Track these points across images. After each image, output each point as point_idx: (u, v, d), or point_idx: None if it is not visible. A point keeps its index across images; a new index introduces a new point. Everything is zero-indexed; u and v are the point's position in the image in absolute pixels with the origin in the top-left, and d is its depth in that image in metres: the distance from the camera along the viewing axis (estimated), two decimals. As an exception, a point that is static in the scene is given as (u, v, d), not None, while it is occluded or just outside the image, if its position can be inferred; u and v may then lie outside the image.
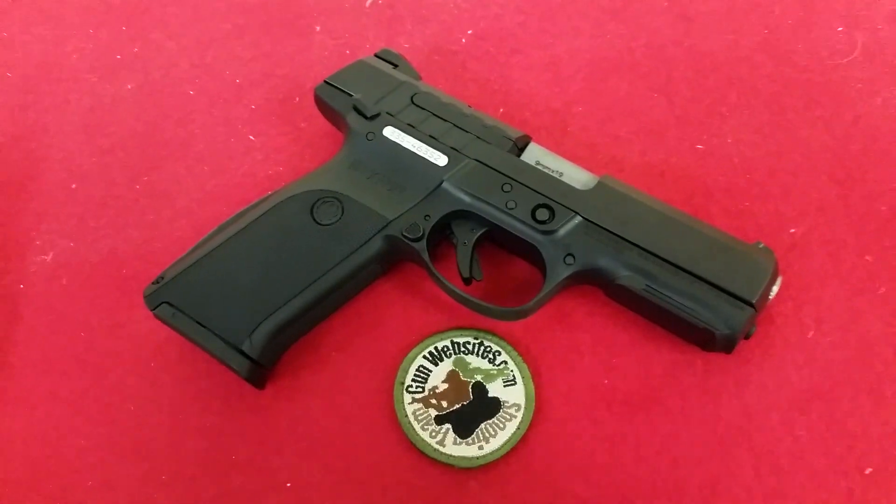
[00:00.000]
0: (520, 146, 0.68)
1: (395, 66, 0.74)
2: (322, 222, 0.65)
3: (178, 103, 0.79)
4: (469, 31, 0.83)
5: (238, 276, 0.63)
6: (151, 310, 0.63)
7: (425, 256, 0.64)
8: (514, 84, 0.80)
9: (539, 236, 0.64)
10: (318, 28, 0.83)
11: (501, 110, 0.79)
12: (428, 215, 0.66)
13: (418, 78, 0.74)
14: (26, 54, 0.82)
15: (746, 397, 0.65)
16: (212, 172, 0.76)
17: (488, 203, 0.65)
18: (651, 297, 0.62)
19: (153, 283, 0.64)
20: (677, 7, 0.83)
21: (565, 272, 0.63)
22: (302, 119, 0.78)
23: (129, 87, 0.80)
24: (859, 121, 0.77)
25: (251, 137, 0.78)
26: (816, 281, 0.69)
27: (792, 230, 0.71)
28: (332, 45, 0.82)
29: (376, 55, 0.75)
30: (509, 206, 0.65)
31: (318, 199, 0.66)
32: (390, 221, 0.65)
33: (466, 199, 0.66)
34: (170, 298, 0.63)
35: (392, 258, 0.68)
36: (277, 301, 0.63)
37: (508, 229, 0.65)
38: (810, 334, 0.67)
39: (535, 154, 0.68)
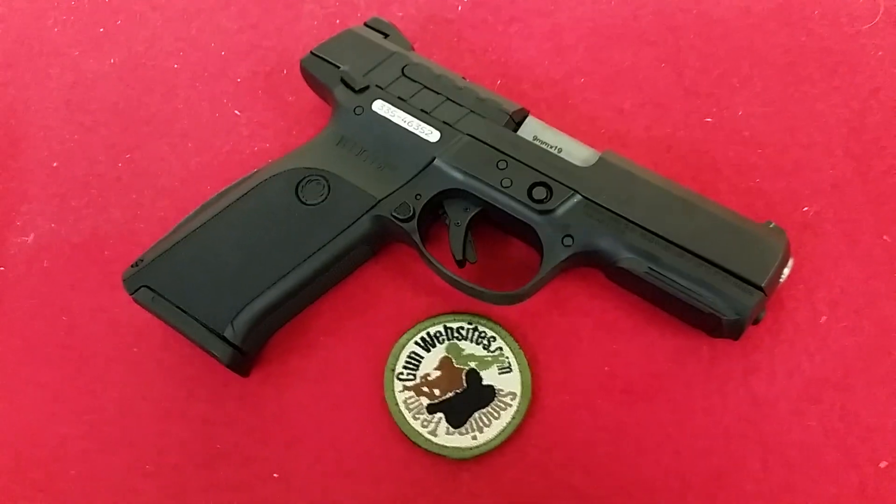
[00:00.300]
0: (517, 120, 0.65)
1: (386, 35, 0.71)
2: (308, 202, 0.63)
3: (162, 78, 0.77)
4: (466, -1, 0.79)
5: (220, 258, 0.61)
6: (130, 294, 0.61)
7: (416, 238, 0.62)
8: (512, 54, 0.77)
9: (536, 216, 0.62)
10: (306, -4, 0.80)
11: (499, 82, 0.76)
12: (419, 194, 0.63)
13: (410, 48, 0.71)
14: (5, 28, 0.80)
15: (755, 386, 0.63)
16: (196, 150, 0.74)
17: (482, 181, 0.63)
18: (654, 281, 0.60)
19: (132, 266, 0.62)
20: (686, -29, 0.79)
21: (564, 254, 0.61)
22: (289, 93, 0.76)
23: (112, 61, 0.78)
24: (879, 92, 0.73)
25: (237, 112, 0.75)
26: (830, 262, 0.66)
27: (805, 208, 0.69)
28: (321, 15, 0.80)
29: (366, 24, 0.71)
30: (504, 184, 0.62)
31: (304, 178, 0.64)
32: (379, 201, 0.63)
33: (459, 176, 0.63)
34: (149, 282, 0.61)
35: (382, 239, 0.66)
36: (261, 285, 0.61)
37: (503, 209, 0.62)
38: (823, 319, 0.65)
39: (532, 128, 0.65)
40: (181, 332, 0.60)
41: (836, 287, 0.65)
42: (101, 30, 0.80)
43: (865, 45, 0.75)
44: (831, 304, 0.65)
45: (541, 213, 0.62)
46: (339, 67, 0.68)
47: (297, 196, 0.63)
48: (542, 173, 0.62)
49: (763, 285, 0.58)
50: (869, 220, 0.68)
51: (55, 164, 0.74)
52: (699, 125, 0.73)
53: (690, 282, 0.59)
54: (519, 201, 0.62)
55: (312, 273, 0.62)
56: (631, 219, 0.60)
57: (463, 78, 0.68)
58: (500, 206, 0.62)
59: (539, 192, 0.62)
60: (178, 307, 0.60)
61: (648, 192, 0.61)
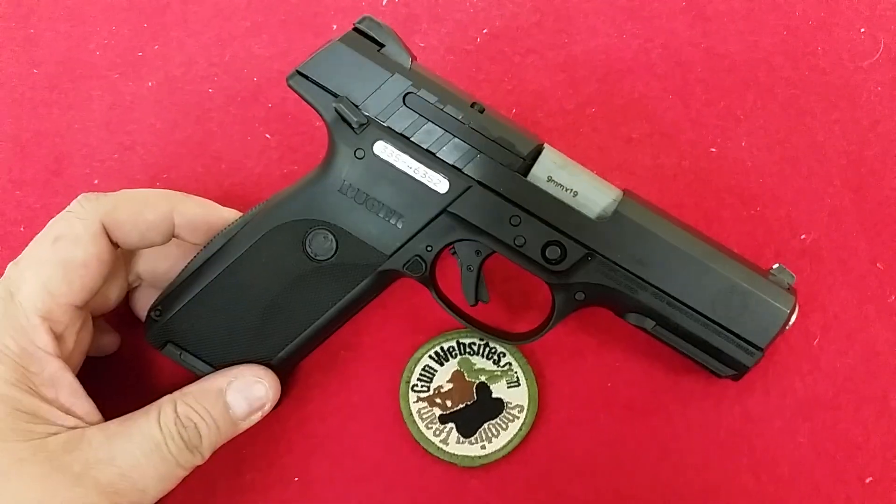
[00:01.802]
0: (531, 158, 0.61)
1: (382, 45, 0.62)
2: (317, 257, 0.62)
3: (197, 101, 0.81)
4: (484, 31, 0.83)
5: (238, 315, 0.62)
6: (157, 349, 0.63)
7: (430, 289, 0.63)
8: (527, 85, 0.80)
9: (548, 277, 0.61)
10: (334, 27, 0.84)
11: (514, 111, 0.79)
12: (430, 246, 0.61)
13: (410, 58, 0.63)
14: (50, 51, 0.84)
15: (749, 404, 0.65)
16: (229, 171, 0.77)
17: (495, 237, 0.61)
18: (658, 336, 0.61)
19: (155, 314, 0.63)
20: (695, 7, 0.82)
21: (574, 306, 0.62)
22: (317, 118, 0.76)
23: (150, 84, 0.82)
24: (877, 126, 0.76)
25: (267, 136, 0.78)
26: (825, 288, 0.69)
27: (802, 236, 0.71)
28: (348, 44, 0.83)
29: (356, 28, 0.62)
30: (518, 241, 0.60)
31: (310, 229, 0.62)
32: (389, 257, 0.61)
33: (470, 232, 0.61)
34: (173, 338, 0.62)
35: (393, 282, 0.66)
36: (280, 342, 0.63)
37: (516, 263, 0.62)
38: (816, 342, 0.67)
39: (547, 167, 0.60)
40: None
41: (830, 312, 0.68)
42: (140, 54, 0.83)
43: (866, 81, 0.78)
44: (824, 327, 0.67)
45: (554, 273, 0.61)
46: (332, 94, 0.61)
47: (306, 251, 0.62)
48: (557, 230, 0.60)
49: (763, 347, 0.59)
50: (864, 249, 0.70)
51: (96, 181, 0.77)
52: (704, 155, 0.75)
53: (693, 343, 0.60)
54: (532, 261, 0.61)
55: (328, 322, 0.63)
56: (644, 278, 0.59)
57: (472, 100, 0.62)
58: (512, 260, 0.62)
59: (553, 252, 0.60)
60: (205, 362, 0.62)
61: (664, 251, 0.60)
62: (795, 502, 0.62)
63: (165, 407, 0.57)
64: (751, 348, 0.59)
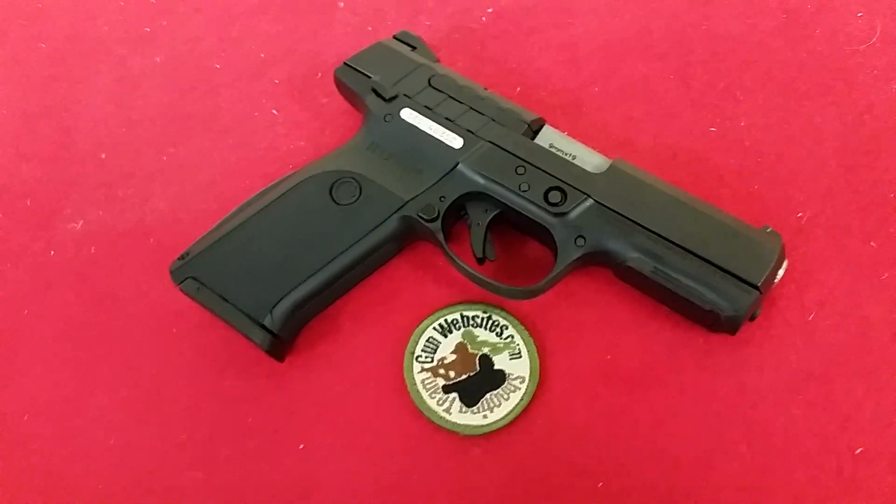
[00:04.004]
0: (534, 129, 0.70)
1: (413, 48, 0.75)
2: (341, 202, 0.67)
3: (204, 77, 0.82)
4: (489, 10, 0.84)
5: (260, 253, 0.66)
6: (177, 284, 0.65)
7: (440, 237, 0.66)
8: (531, 63, 0.81)
9: (551, 218, 0.66)
10: (341, 4, 0.85)
11: (518, 89, 0.80)
12: (443, 196, 0.67)
13: (436, 60, 0.75)
14: (58, 26, 0.85)
15: (744, 376, 0.67)
16: (235, 145, 0.78)
17: (502, 185, 0.67)
18: (659, 279, 0.63)
19: (179, 259, 0.66)
20: (697, -11, 0.84)
21: (576, 253, 0.65)
22: (323, 95, 0.80)
23: (158, 59, 0.83)
24: (872, 108, 0.77)
25: (274, 112, 0.80)
26: (821, 265, 0.70)
27: (799, 214, 0.73)
28: (354, 22, 0.84)
29: (395, 37, 0.76)
30: (522, 188, 0.66)
31: (337, 180, 0.68)
32: (406, 202, 0.67)
33: (481, 180, 0.67)
34: (195, 274, 0.65)
35: (407, 238, 0.70)
36: (297, 278, 0.65)
37: (521, 211, 0.66)
38: (811, 317, 0.68)
39: (549, 137, 0.69)
40: (224, 319, 0.64)
41: (825, 288, 0.69)
42: (148, 29, 0.84)
43: (861, 64, 0.79)
44: (819, 303, 0.69)
45: (556, 215, 0.65)
46: (370, 77, 0.72)
47: (331, 196, 0.67)
48: (558, 178, 0.66)
49: (759, 284, 0.62)
50: (858, 227, 0.72)
51: (103, 156, 0.79)
52: (704, 134, 0.77)
53: (693, 280, 0.63)
54: (536, 204, 0.66)
55: (344, 267, 0.66)
56: (639, 222, 0.64)
57: (485, 88, 0.72)
58: (518, 209, 0.66)
59: (554, 196, 0.66)
60: (221, 297, 0.64)
61: (655, 198, 0.65)
62: (788, 472, 0.63)
63: None
64: (747, 286, 0.62)
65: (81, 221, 0.76)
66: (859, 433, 0.64)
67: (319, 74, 0.81)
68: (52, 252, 0.75)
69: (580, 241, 0.65)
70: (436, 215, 0.66)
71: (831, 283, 0.70)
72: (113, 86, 0.82)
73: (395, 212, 0.67)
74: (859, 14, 0.82)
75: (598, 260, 0.67)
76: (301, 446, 0.67)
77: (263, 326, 0.64)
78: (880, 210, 0.72)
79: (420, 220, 0.66)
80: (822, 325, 0.68)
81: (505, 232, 0.72)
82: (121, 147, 0.79)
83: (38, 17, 0.85)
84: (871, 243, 0.71)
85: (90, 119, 0.81)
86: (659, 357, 0.68)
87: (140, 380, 0.70)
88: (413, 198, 0.67)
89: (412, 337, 0.69)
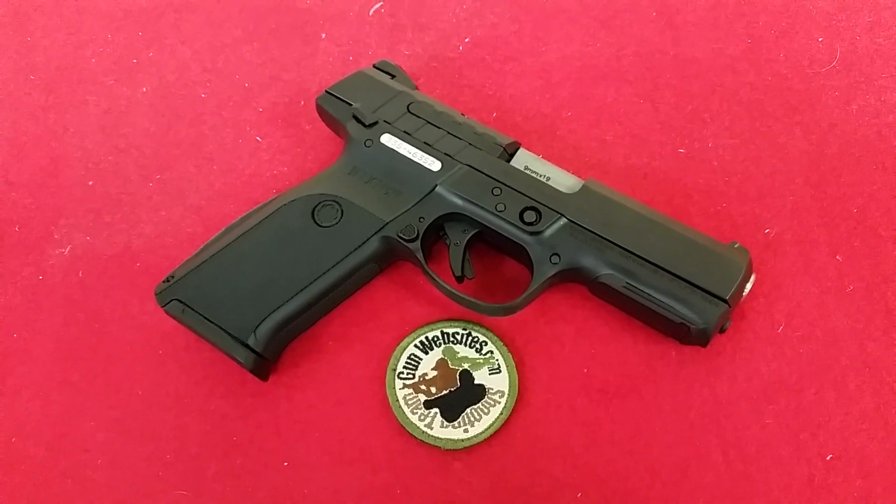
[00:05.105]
0: (510, 152, 0.72)
1: (393, 76, 0.77)
2: (323, 224, 0.69)
3: (190, 105, 0.84)
4: (466, 39, 0.87)
5: (244, 274, 0.67)
6: (162, 306, 0.66)
7: (420, 256, 0.68)
8: (507, 90, 0.84)
9: (527, 237, 0.68)
10: (323, 35, 0.87)
11: (494, 115, 0.82)
12: (422, 217, 0.69)
13: (414, 87, 0.78)
14: (48, 58, 0.86)
15: (717, 387, 0.68)
16: (221, 171, 0.80)
17: (479, 206, 0.69)
18: (631, 294, 0.65)
19: (164, 282, 0.67)
20: (665, 17, 0.87)
21: (551, 270, 0.67)
22: (306, 122, 0.82)
23: (145, 89, 0.85)
24: (835, 127, 0.80)
25: (258, 139, 0.82)
26: (788, 279, 0.73)
27: (766, 230, 0.75)
28: (336, 52, 0.87)
29: (375, 66, 0.78)
30: (499, 208, 0.68)
31: (319, 203, 0.69)
32: (387, 223, 0.69)
33: (459, 201, 0.69)
34: (179, 296, 0.66)
35: (388, 258, 0.71)
36: (280, 298, 0.66)
37: (498, 230, 0.68)
38: (780, 329, 0.70)
39: (524, 159, 0.72)
40: (208, 340, 0.65)
41: (793, 301, 0.71)
42: (135, 61, 0.86)
43: (824, 86, 0.82)
44: (788, 315, 0.71)
45: (531, 234, 0.67)
46: (351, 105, 0.74)
47: (314, 219, 0.69)
48: (533, 199, 0.68)
49: (727, 298, 0.64)
50: (824, 241, 0.74)
51: (91, 183, 0.80)
52: (673, 155, 0.79)
53: (663, 295, 0.65)
54: (512, 224, 0.68)
55: (326, 287, 0.67)
56: (610, 239, 0.66)
57: (462, 114, 0.74)
58: (494, 228, 0.68)
59: (529, 216, 0.68)
60: (205, 318, 0.65)
61: (626, 216, 0.67)
62: (761, 479, 0.65)
63: None
64: (715, 300, 0.64)
65: (70, 246, 0.77)
66: (829, 440, 0.66)
67: (302, 102, 0.83)
68: (41, 276, 0.76)
69: (555, 259, 0.67)
70: (415, 235, 0.68)
71: (799, 295, 0.72)
72: (101, 115, 0.84)
73: (376, 233, 0.68)
74: (820, 39, 0.85)
75: (572, 276, 0.69)
76: (286, 463, 0.67)
77: (247, 346, 0.65)
78: (845, 225, 0.75)
79: (400, 240, 0.68)
80: (792, 337, 0.70)
81: (483, 251, 0.74)
82: (108, 174, 0.80)
83: (29, 50, 0.87)
84: (837, 257, 0.73)
85: (78, 147, 0.82)
86: (634, 370, 0.69)
87: (128, 400, 0.70)
88: (393, 219, 0.69)
89: (394, 354, 0.70)
